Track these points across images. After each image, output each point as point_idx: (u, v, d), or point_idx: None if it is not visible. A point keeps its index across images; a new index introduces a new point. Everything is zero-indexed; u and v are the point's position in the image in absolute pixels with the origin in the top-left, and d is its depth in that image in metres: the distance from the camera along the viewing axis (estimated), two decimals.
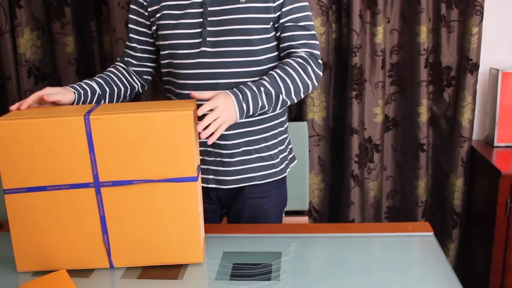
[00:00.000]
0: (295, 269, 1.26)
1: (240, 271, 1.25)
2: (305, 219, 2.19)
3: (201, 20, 1.43)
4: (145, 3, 1.51)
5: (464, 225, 2.35)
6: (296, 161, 1.71)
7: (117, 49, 2.19)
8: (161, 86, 2.28)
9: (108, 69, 1.58)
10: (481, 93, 2.33)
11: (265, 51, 1.47)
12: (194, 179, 1.21)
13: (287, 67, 1.42)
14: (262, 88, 1.36)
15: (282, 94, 1.39)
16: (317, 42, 1.50)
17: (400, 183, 2.41)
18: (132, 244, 1.25)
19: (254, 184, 1.56)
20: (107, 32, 2.24)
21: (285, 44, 1.48)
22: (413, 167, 2.32)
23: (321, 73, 1.49)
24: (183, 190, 1.21)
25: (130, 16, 1.56)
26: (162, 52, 1.53)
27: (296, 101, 1.45)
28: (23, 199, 1.20)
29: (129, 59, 1.60)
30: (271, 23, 1.46)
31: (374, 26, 2.17)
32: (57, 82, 2.27)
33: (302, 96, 1.45)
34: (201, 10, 1.43)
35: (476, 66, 2.19)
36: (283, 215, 1.73)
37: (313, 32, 1.49)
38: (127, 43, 1.60)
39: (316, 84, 1.48)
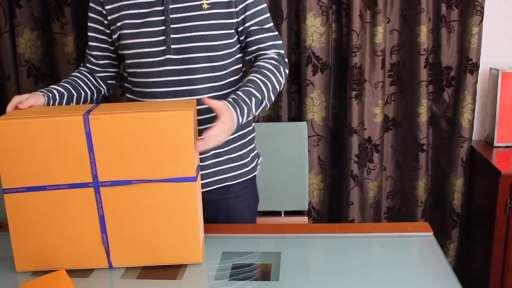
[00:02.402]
0: (294, 269, 1.25)
1: (239, 271, 1.25)
2: (304, 219, 2.19)
3: (163, 27, 1.42)
4: (104, 11, 1.49)
5: (463, 225, 2.35)
6: (261, 157, 1.70)
7: None
8: None
9: (73, 73, 1.58)
10: (481, 93, 2.33)
11: (229, 56, 1.49)
12: (193, 179, 1.21)
13: (265, 71, 1.43)
14: (253, 99, 1.37)
15: (265, 99, 1.41)
16: (281, 42, 1.54)
17: (399, 183, 2.41)
18: (131, 244, 1.25)
19: (226, 185, 1.57)
20: None
21: (254, 48, 1.50)
22: (413, 167, 2.32)
23: (287, 72, 1.53)
24: (183, 190, 1.21)
25: (90, 24, 1.54)
26: (126, 61, 1.51)
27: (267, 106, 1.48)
28: (23, 199, 1.20)
29: (92, 67, 1.59)
30: (234, 27, 1.47)
31: (374, 26, 2.17)
32: (57, 82, 2.26)
33: (273, 97, 1.48)
34: (163, 17, 1.42)
35: (476, 66, 2.19)
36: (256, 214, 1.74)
37: (276, 32, 1.53)
38: (87, 51, 1.58)
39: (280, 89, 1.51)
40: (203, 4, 1.42)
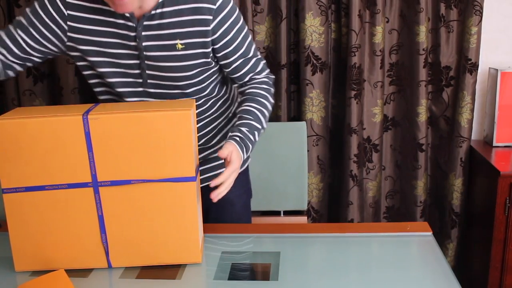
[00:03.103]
0: (293, 269, 1.25)
1: (238, 271, 1.25)
2: (303, 219, 2.19)
3: (138, 61, 1.38)
4: (63, 25, 1.37)
5: (463, 225, 2.35)
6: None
7: None
8: None
9: None
10: (480, 93, 2.33)
11: (207, 86, 1.48)
12: (192, 179, 1.21)
13: (260, 99, 1.46)
14: (256, 133, 1.41)
15: (263, 127, 1.45)
16: (264, 60, 1.54)
17: (399, 183, 2.41)
18: (131, 244, 1.25)
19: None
20: None
21: (246, 79, 1.50)
22: (412, 167, 2.32)
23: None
24: (182, 190, 1.21)
25: (32, 18, 1.37)
26: (91, 81, 1.46)
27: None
28: (22, 199, 1.20)
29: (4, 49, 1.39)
30: (213, 64, 1.45)
31: (373, 26, 2.17)
32: (56, 81, 2.27)
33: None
34: (137, 52, 1.37)
35: (475, 66, 2.19)
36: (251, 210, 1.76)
37: (258, 54, 1.51)
38: (10, 32, 1.38)
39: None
40: (177, 44, 1.36)
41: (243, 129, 1.39)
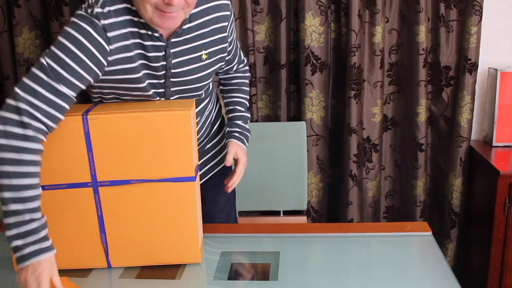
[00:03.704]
0: (293, 268, 1.25)
1: (238, 271, 1.25)
2: (303, 219, 2.19)
3: (163, 81, 1.34)
4: (104, 62, 1.22)
5: (462, 225, 2.35)
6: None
7: None
8: None
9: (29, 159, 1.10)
10: (480, 93, 2.33)
11: (212, 80, 1.53)
12: (192, 179, 1.21)
13: (246, 88, 1.65)
14: (248, 121, 1.61)
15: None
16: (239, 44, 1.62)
17: (398, 183, 2.41)
18: (130, 244, 1.25)
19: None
20: None
21: (235, 67, 1.60)
22: (412, 167, 2.32)
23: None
24: (182, 190, 1.21)
25: (82, 57, 1.17)
26: (106, 97, 1.36)
27: None
28: None
29: (51, 123, 1.14)
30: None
31: (373, 25, 2.17)
32: None
33: None
34: (163, 72, 1.32)
35: (475, 66, 2.19)
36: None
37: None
38: (51, 91, 1.13)
39: None
40: (202, 55, 1.36)
41: (240, 122, 1.58)
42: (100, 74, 1.23)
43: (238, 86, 1.62)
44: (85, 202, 1.21)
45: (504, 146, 2.24)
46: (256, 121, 2.26)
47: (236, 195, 1.70)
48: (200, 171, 1.57)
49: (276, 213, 2.22)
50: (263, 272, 1.24)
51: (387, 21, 2.23)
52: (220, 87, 1.65)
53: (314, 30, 2.15)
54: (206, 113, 1.54)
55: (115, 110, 1.19)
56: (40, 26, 2.23)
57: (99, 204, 1.21)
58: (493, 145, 2.25)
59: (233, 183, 1.48)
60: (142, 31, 1.26)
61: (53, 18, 2.18)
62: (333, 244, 1.38)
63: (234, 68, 1.60)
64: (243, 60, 1.63)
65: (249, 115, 1.62)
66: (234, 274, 1.23)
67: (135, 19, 1.24)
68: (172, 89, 1.36)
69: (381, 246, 1.37)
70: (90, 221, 1.23)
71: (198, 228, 1.26)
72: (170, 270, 1.25)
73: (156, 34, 1.27)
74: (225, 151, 1.59)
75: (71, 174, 1.19)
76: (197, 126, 1.46)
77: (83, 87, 1.19)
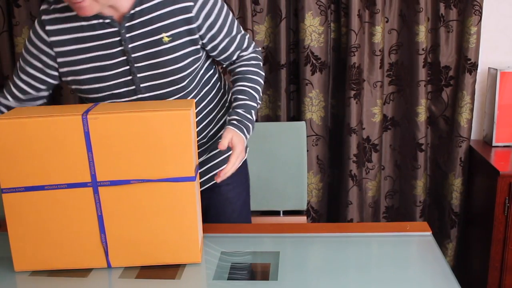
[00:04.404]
0: (293, 269, 1.25)
1: (238, 271, 1.25)
2: (303, 219, 2.19)
3: (128, 67, 1.37)
4: (51, 53, 1.38)
5: (462, 224, 2.36)
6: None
7: None
8: None
9: None
10: (480, 93, 2.33)
11: (200, 76, 1.48)
12: (192, 179, 1.21)
13: (252, 76, 1.49)
14: (252, 111, 1.44)
15: (258, 103, 1.48)
16: (248, 34, 1.55)
17: (398, 183, 2.41)
18: (130, 244, 1.25)
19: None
20: None
21: (235, 56, 1.50)
22: (412, 167, 2.32)
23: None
24: (181, 190, 1.21)
25: (28, 58, 1.41)
26: (83, 95, 1.45)
27: None
28: (21, 199, 1.20)
29: (13, 101, 1.47)
30: (201, 50, 1.43)
31: (373, 25, 2.17)
32: None
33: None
34: (125, 57, 1.36)
35: (474, 66, 2.19)
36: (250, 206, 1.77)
37: (242, 31, 1.51)
38: (15, 79, 1.45)
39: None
40: (163, 38, 1.35)
41: (240, 110, 1.42)
42: (51, 63, 1.39)
43: (242, 74, 1.49)
44: (84, 202, 1.21)
45: (504, 146, 2.25)
46: (256, 121, 2.26)
47: None
48: (201, 168, 1.58)
49: (276, 213, 2.22)
50: (263, 272, 1.24)
51: (387, 21, 2.23)
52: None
53: (314, 30, 2.15)
54: (204, 112, 1.52)
55: (115, 110, 1.19)
56: None
57: (99, 204, 1.21)
58: (493, 145, 2.25)
59: (225, 172, 1.33)
60: (93, 21, 1.34)
61: None
62: (333, 244, 1.38)
63: (235, 57, 1.50)
64: (248, 46, 1.51)
65: (254, 104, 1.45)
66: (234, 274, 1.23)
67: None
68: (139, 75, 1.37)
69: (381, 246, 1.37)
70: (89, 221, 1.23)
71: (198, 228, 1.26)
72: (170, 270, 1.25)
73: (107, 20, 1.33)
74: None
75: (71, 174, 1.19)
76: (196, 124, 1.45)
77: (40, 75, 1.42)
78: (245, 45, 1.50)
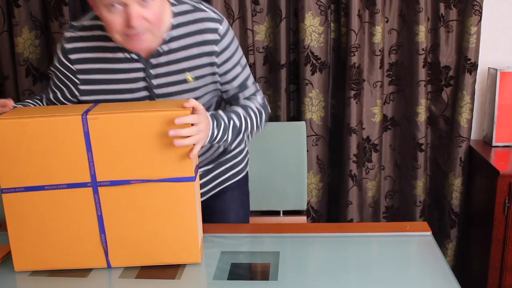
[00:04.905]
0: (293, 269, 1.25)
1: (238, 271, 1.25)
2: (303, 219, 2.19)
3: (149, 99, 1.40)
4: (75, 79, 1.42)
5: (462, 224, 2.35)
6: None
7: None
8: None
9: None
10: (480, 92, 2.33)
11: (211, 101, 1.49)
12: (192, 179, 1.21)
13: (249, 110, 1.43)
14: (231, 122, 1.36)
15: (242, 130, 1.40)
16: (260, 89, 1.52)
17: (398, 182, 2.41)
18: (130, 244, 1.25)
19: (221, 184, 1.64)
20: None
21: (241, 100, 1.47)
22: (412, 166, 2.32)
23: (268, 113, 1.53)
24: (181, 190, 1.21)
25: (53, 76, 1.46)
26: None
27: (242, 141, 1.48)
28: (21, 199, 1.20)
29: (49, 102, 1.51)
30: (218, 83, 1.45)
31: (373, 25, 2.17)
32: None
33: (251, 136, 1.48)
34: (147, 93, 1.40)
35: (474, 66, 2.19)
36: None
37: (258, 86, 1.51)
38: (48, 89, 1.50)
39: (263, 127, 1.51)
40: (187, 77, 1.38)
41: (219, 111, 1.36)
42: (73, 88, 1.42)
43: (239, 104, 1.46)
44: (84, 202, 1.21)
45: (504, 146, 2.25)
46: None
47: None
48: (213, 183, 1.61)
49: (276, 213, 2.22)
50: (263, 272, 1.24)
51: (386, 21, 2.23)
52: None
53: (314, 30, 2.15)
54: None
55: (115, 110, 1.19)
56: (40, 26, 2.23)
57: (98, 204, 1.21)
58: (493, 145, 2.25)
59: (175, 132, 1.15)
60: (119, 55, 1.36)
61: (53, 18, 2.18)
62: (333, 244, 1.38)
63: (240, 101, 1.48)
64: (255, 93, 1.49)
65: (237, 122, 1.37)
66: (234, 274, 1.23)
67: (110, 44, 1.35)
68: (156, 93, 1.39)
69: (381, 246, 1.37)
70: (89, 221, 1.23)
71: (197, 228, 1.26)
72: (170, 270, 1.25)
73: (134, 56, 1.35)
74: (243, 164, 1.65)
75: (70, 174, 1.19)
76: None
77: (66, 92, 1.44)
78: (252, 91, 1.49)
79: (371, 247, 1.38)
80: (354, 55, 2.17)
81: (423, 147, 2.28)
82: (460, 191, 2.31)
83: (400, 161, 2.39)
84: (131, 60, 1.36)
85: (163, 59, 1.36)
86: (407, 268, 1.26)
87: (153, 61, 1.36)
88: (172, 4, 1.35)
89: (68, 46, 1.38)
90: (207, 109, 1.42)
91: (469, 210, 2.33)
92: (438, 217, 2.43)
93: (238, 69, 1.43)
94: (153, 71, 1.37)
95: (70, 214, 1.22)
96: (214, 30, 1.35)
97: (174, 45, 1.35)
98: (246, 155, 1.69)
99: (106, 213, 1.22)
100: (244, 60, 1.47)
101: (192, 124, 1.18)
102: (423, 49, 2.17)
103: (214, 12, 1.38)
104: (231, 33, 1.40)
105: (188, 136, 1.17)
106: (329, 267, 1.27)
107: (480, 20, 2.14)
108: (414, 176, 2.32)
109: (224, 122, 1.34)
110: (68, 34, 1.39)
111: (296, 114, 2.32)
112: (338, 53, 2.26)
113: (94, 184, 1.20)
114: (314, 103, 2.23)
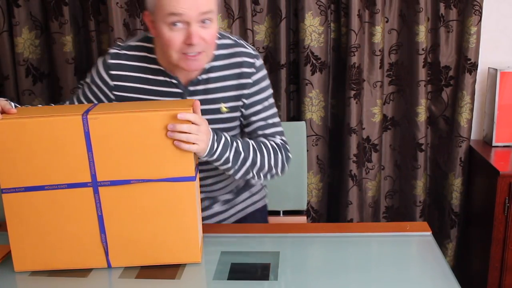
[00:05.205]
0: (293, 269, 1.25)
1: (238, 271, 1.25)
2: (303, 219, 2.19)
3: None
4: (111, 95, 1.45)
5: (462, 224, 2.36)
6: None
7: None
8: None
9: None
10: (480, 92, 2.33)
11: (235, 130, 1.52)
12: (192, 178, 1.21)
13: (262, 145, 1.43)
14: (234, 143, 1.36)
15: (248, 161, 1.39)
16: (283, 130, 1.53)
17: (398, 182, 2.41)
18: (130, 244, 1.25)
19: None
20: (105, 32, 2.23)
21: (257, 134, 1.49)
22: (412, 166, 2.32)
23: (287, 167, 1.51)
24: (182, 189, 1.21)
25: (86, 88, 1.47)
26: None
27: (256, 178, 1.44)
28: (21, 199, 1.20)
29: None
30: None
31: (373, 25, 2.17)
32: (55, 81, 2.27)
33: (262, 177, 1.46)
34: None
35: (474, 66, 2.19)
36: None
37: (280, 125, 1.52)
38: (76, 97, 1.50)
39: (281, 174, 1.50)
40: (221, 107, 1.43)
41: (225, 133, 1.37)
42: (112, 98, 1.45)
43: (257, 140, 1.45)
44: (85, 202, 1.21)
45: (504, 146, 2.25)
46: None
47: None
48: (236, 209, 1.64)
49: (276, 213, 2.22)
50: (263, 272, 1.24)
51: (386, 21, 2.23)
52: None
53: (314, 30, 2.15)
54: None
55: (115, 110, 1.19)
56: (40, 26, 2.24)
57: (99, 204, 1.21)
58: (493, 145, 2.25)
59: (174, 127, 1.16)
60: (160, 77, 1.41)
61: (52, 18, 2.19)
62: (333, 244, 1.38)
63: (259, 132, 1.48)
64: (274, 134, 1.49)
65: (241, 149, 1.37)
66: (234, 274, 1.23)
67: (152, 66, 1.41)
68: None
69: (381, 246, 1.37)
70: (90, 221, 1.23)
71: (198, 228, 1.26)
72: (170, 270, 1.25)
73: (174, 81, 1.41)
74: (261, 194, 1.71)
75: (71, 174, 1.19)
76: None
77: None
78: (272, 133, 1.50)
79: (371, 247, 1.38)
80: (354, 55, 2.17)
81: (423, 147, 2.28)
82: (460, 191, 2.31)
83: (400, 161, 2.39)
84: (171, 85, 1.42)
85: (201, 87, 1.42)
86: (407, 268, 1.26)
87: (191, 88, 1.42)
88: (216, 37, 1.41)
89: (111, 61, 1.42)
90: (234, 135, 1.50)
91: (469, 210, 2.33)
92: (438, 217, 2.43)
93: (263, 104, 1.47)
94: (189, 98, 1.41)
95: (70, 214, 1.22)
96: (251, 65, 1.43)
97: (213, 75, 1.42)
98: (263, 187, 1.74)
99: (106, 213, 1.22)
100: (271, 100, 1.50)
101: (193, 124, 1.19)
102: (423, 49, 2.17)
103: (253, 49, 1.47)
104: (264, 70, 1.47)
105: (186, 133, 1.17)
106: (329, 267, 1.27)
107: (480, 20, 2.14)
108: (414, 176, 2.32)
109: (225, 139, 1.34)
110: (113, 50, 1.44)
111: (296, 114, 2.32)
112: (338, 53, 2.26)
113: (95, 184, 1.20)
114: (314, 103, 2.23)
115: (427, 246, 1.35)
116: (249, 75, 1.43)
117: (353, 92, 2.20)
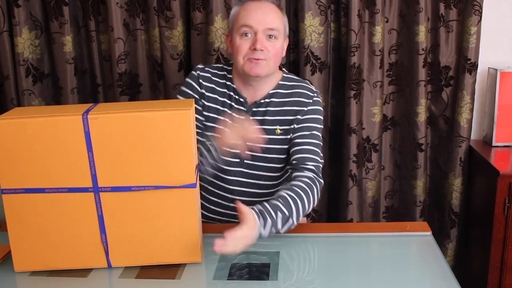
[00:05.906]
0: (293, 268, 1.25)
1: (238, 271, 1.25)
2: (303, 219, 2.18)
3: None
4: (202, 110, 1.61)
5: (462, 224, 2.35)
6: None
7: (115, 48, 2.19)
8: (160, 86, 2.27)
9: None
10: (480, 92, 2.33)
11: (283, 161, 1.64)
12: (192, 185, 1.21)
13: (297, 189, 1.42)
14: (279, 213, 1.33)
15: (292, 217, 1.37)
16: (322, 155, 1.60)
17: (398, 182, 2.41)
18: (130, 244, 1.25)
19: None
20: (105, 32, 2.23)
21: (294, 157, 1.55)
22: (412, 166, 2.32)
23: (319, 196, 1.51)
24: (182, 196, 1.21)
25: (186, 90, 1.64)
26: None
27: (295, 223, 1.42)
28: (21, 200, 1.20)
29: None
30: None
31: (373, 25, 2.17)
32: (55, 81, 2.27)
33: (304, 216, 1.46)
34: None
35: (474, 66, 2.19)
36: None
37: (320, 159, 1.58)
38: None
39: (316, 204, 1.50)
40: (276, 129, 1.59)
41: (266, 204, 1.34)
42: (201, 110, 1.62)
43: (290, 186, 1.44)
44: (86, 206, 1.21)
45: (504, 146, 2.25)
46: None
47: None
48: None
49: None
50: (263, 272, 1.24)
51: (386, 21, 2.23)
52: None
53: (314, 30, 2.15)
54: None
55: (115, 110, 1.19)
56: (40, 26, 2.23)
57: (99, 205, 1.21)
58: (493, 145, 2.25)
59: (224, 244, 1.18)
60: (231, 93, 1.62)
61: (52, 18, 2.19)
62: (333, 244, 1.38)
63: (298, 167, 1.52)
64: (308, 161, 1.53)
65: (285, 211, 1.34)
66: (234, 274, 1.23)
67: (229, 83, 1.62)
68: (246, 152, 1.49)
69: (381, 246, 1.37)
70: (90, 222, 1.22)
71: (198, 228, 1.26)
72: (170, 270, 1.25)
73: (242, 100, 1.60)
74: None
75: (71, 176, 1.19)
76: None
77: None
78: (314, 162, 1.54)
79: (371, 247, 1.38)
80: (354, 55, 2.17)
81: (423, 147, 2.28)
82: (460, 191, 2.31)
83: (400, 161, 2.39)
84: (238, 102, 1.61)
85: (262, 109, 1.60)
86: (407, 268, 1.26)
87: (254, 109, 1.60)
88: (284, 72, 1.65)
89: (201, 73, 1.64)
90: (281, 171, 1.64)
91: (469, 210, 2.33)
92: (438, 217, 2.43)
93: (310, 130, 1.58)
94: (251, 117, 1.58)
95: (71, 215, 1.22)
96: (309, 97, 1.61)
97: (275, 100, 1.60)
98: None
99: (106, 213, 1.22)
100: (319, 133, 1.60)
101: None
102: (423, 49, 2.17)
103: (314, 88, 1.64)
104: (320, 108, 1.63)
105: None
106: (329, 267, 1.27)
107: (480, 20, 2.14)
108: (414, 176, 2.32)
109: (272, 218, 1.32)
110: (201, 66, 1.66)
111: None
112: (338, 53, 2.26)
113: (96, 190, 1.20)
114: None
115: (427, 246, 1.35)
116: (305, 104, 1.59)
117: (353, 92, 2.20)
